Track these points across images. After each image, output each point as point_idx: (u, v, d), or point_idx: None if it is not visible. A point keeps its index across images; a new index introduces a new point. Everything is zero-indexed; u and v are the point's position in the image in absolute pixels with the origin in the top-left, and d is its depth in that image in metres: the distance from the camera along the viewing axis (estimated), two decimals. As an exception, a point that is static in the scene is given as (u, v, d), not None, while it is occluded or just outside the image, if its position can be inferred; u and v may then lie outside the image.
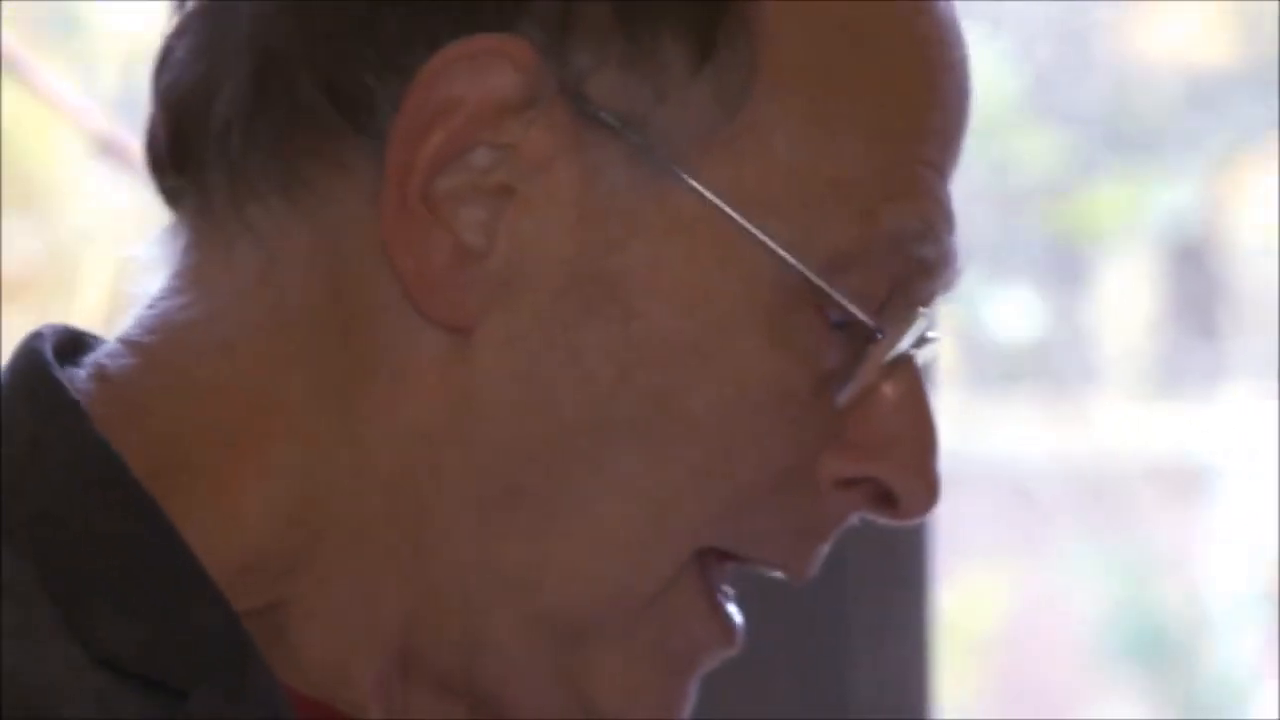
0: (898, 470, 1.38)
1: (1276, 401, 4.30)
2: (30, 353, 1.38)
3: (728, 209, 1.33)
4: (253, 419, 1.36)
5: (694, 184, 1.33)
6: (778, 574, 1.43)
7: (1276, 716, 4.36)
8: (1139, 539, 4.50)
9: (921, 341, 1.39)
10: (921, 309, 1.38)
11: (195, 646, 1.32)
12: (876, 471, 1.38)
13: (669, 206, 1.34)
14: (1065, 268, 4.27)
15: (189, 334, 1.38)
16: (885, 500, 1.38)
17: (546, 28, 1.32)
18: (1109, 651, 4.49)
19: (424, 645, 1.38)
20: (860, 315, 1.34)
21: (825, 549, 1.40)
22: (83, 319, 1.47)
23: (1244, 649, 4.48)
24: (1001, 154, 4.16)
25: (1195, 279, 4.53)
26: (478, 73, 1.32)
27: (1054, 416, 4.23)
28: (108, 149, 3.34)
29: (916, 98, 1.38)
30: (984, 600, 4.26)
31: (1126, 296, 4.48)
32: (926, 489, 1.38)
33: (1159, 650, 4.46)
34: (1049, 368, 4.26)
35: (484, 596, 1.37)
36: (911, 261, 1.37)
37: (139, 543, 1.34)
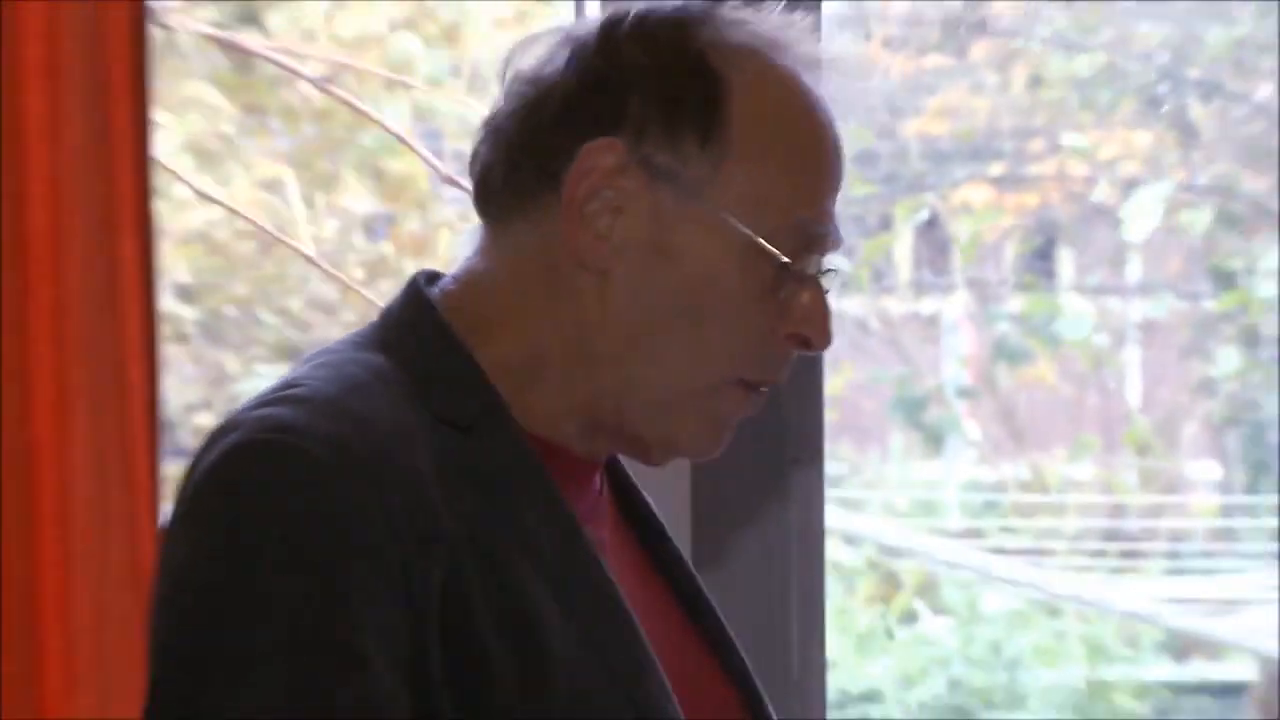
0: (812, 330, 1.49)
1: (969, 297, 5.31)
2: (413, 280, 1.53)
3: (722, 214, 1.46)
4: (508, 313, 1.50)
5: (705, 202, 1.46)
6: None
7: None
8: (908, 359, 5.35)
9: (823, 272, 1.50)
10: (819, 256, 1.50)
11: (479, 409, 1.47)
12: (802, 329, 1.49)
13: (691, 213, 1.47)
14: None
15: (481, 277, 1.51)
16: (806, 344, 1.50)
17: (632, 132, 1.46)
18: (894, 414, 5.35)
19: (599, 414, 1.51)
20: (786, 260, 1.47)
21: (789, 367, 1.50)
22: (436, 264, 1.59)
23: (957, 409, 5.38)
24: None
25: (935, 238, 5.41)
26: (602, 156, 1.46)
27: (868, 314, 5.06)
28: (447, 181, 3.94)
29: (813, 159, 1.49)
30: (837, 382, 4.86)
31: (901, 251, 5.37)
32: (826, 339, 1.49)
33: (917, 411, 5.28)
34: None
35: (620, 389, 1.49)
36: (812, 236, 1.48)
37: (455, 363, 1.49)
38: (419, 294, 1.52)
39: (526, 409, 1.49)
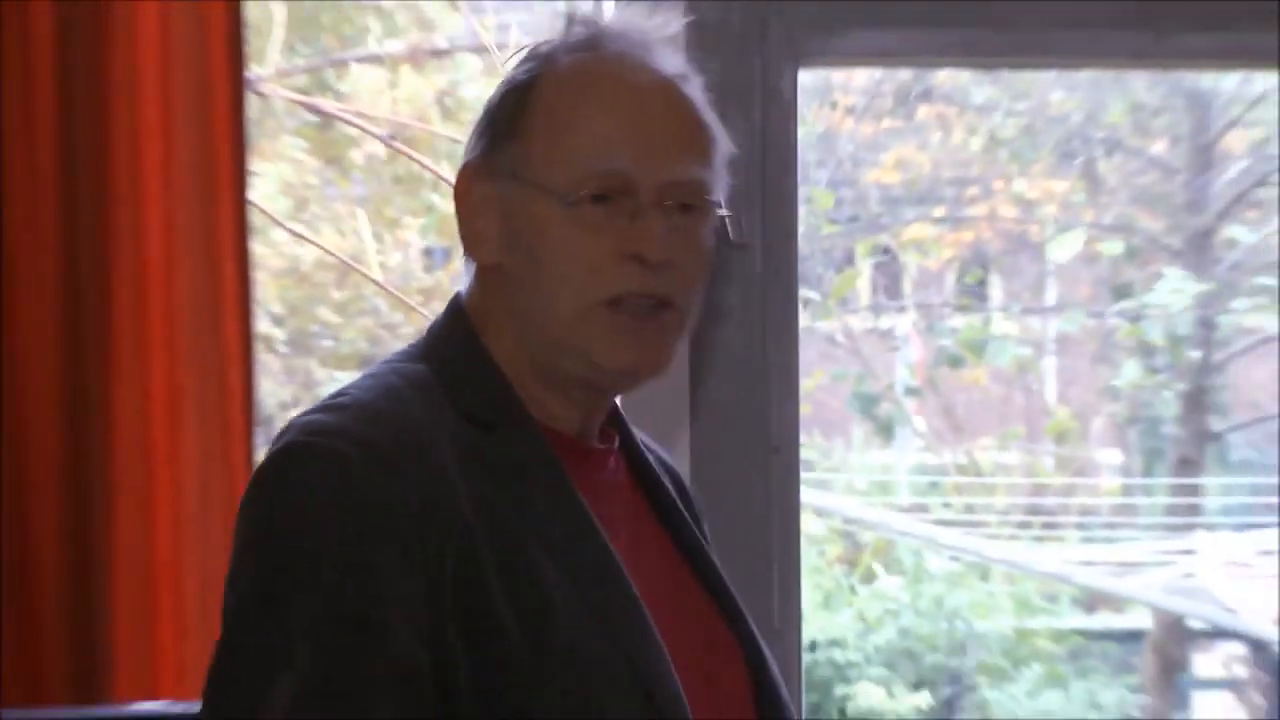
0: (640, 246, 1.44)
1: (916, 320, 5.31)
2: (455, 299, 1.52)
3: (533, 180, 1.44)
4: (489, 317, 1.49)
5: (521, 178, 1.44)
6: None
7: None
8: (867, 366, 5.28)
9: (665, 206, 1.45)
10: (646, 194, 1.44)
11: (501, 410, 1.46)
12: (632, 249, 1.44)
13: (520, 191, 1.45)
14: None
15: (472, 290, 1.49)
16: (644, 261, 1.44)
17: (484, 152, 1.46)
18: (853, 409, 5.25)
19: (553, 377, 1.48)
20: (596, 198, 1.44)
21: (644, 279, 1.44)
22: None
23: (906, 406, 5.31)
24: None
25: (889, 268, 5.40)
26: (461, 175, 1.48)
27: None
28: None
29: (611, 117, 1.45)
30: (808, 384, 4.68)
31: (861, 279, 5.29)
32: (656, 252, 1.44)
33: (873, 407, 5.19)
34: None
35: (543, 348, 1.47)
36: (624, 175, 1.44)
37: (479, 364, 1.48)
38: (458, 311, 1.50)
39: (530, 401, 1.47)
